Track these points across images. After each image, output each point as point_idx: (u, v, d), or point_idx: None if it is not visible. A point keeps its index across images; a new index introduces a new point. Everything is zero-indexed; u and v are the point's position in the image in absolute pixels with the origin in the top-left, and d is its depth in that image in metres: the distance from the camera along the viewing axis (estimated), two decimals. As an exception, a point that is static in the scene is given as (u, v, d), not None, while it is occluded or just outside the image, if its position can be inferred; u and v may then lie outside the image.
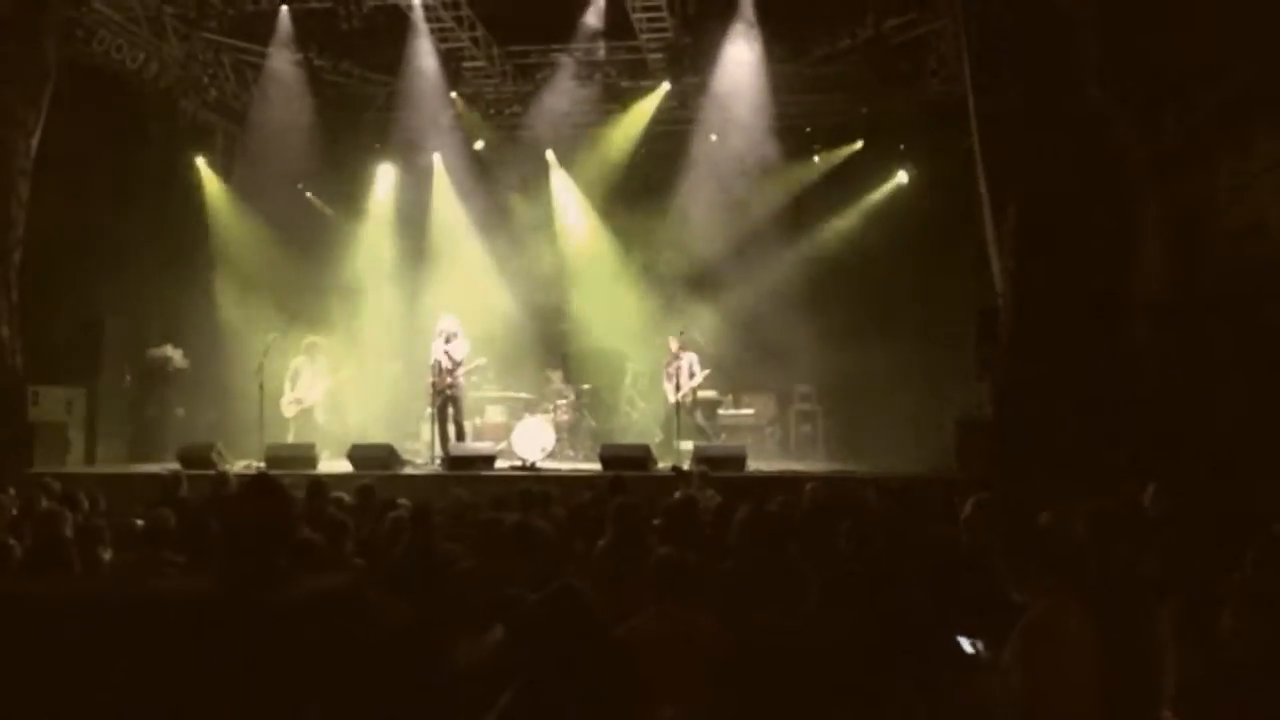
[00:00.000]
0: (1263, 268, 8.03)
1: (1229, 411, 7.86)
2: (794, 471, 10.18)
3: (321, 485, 6.84)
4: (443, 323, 11.21)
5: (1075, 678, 3.27)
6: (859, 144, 13.35)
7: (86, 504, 6.89)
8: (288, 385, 11.73)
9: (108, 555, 5.02)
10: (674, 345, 11.92)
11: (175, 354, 12.18)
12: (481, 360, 11.86)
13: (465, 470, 9.91)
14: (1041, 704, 3.23)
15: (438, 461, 10.66)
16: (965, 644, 3.66)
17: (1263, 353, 7.89)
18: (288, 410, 11.72)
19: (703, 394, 12.12)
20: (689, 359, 11.90)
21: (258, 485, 2.49)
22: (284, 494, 2.50)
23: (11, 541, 4.72)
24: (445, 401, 11.06)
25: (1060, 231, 8.92)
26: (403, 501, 6.57)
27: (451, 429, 11.09)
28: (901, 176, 13.29)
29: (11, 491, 7.19)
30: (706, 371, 12.03)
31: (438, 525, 5.34)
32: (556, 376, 13.19)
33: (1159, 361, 8.46)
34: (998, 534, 3.85)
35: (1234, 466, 7.31)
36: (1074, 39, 8.97)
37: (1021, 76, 9.30)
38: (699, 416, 11.99)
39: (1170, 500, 5.81)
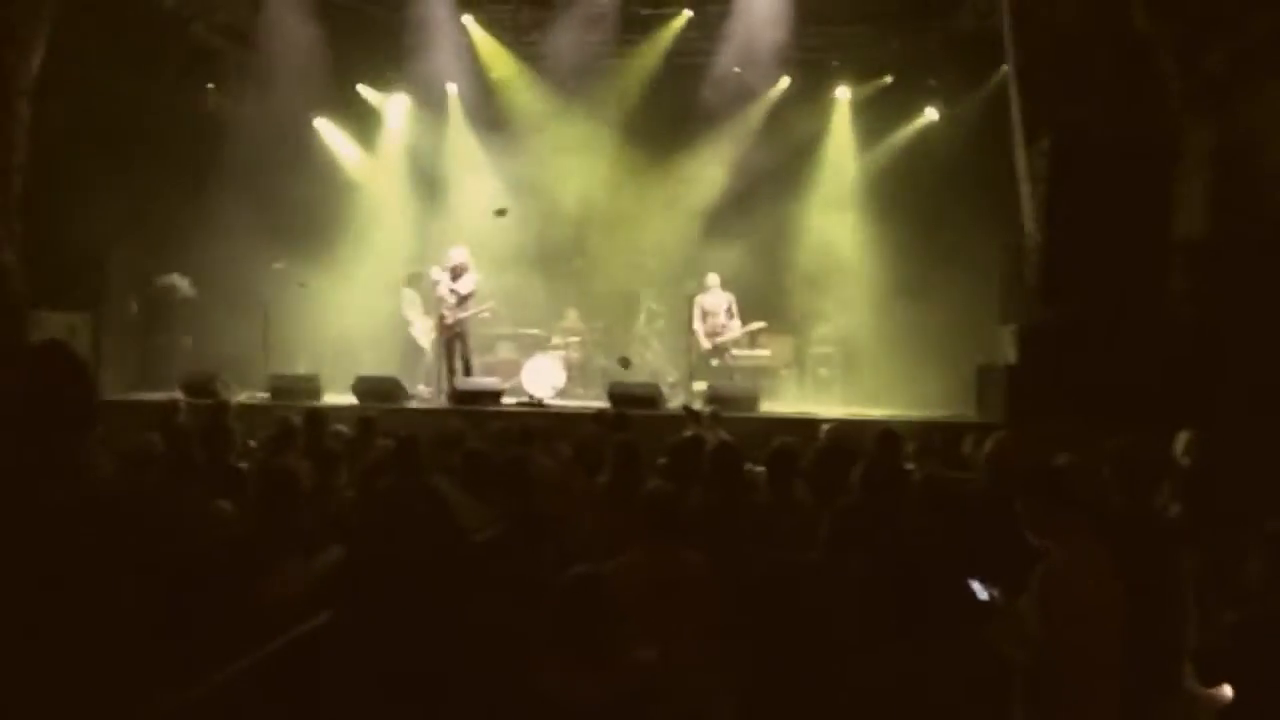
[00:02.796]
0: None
1: (1271, 362, 7.45)
2: (809, 414, 9.92)
3: (319, 415, 6.69)
4: (452, 256, 10.94)
5: (1096, 625, 3.04)
6: (888, 79, 12.81)
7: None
8: (410, 316, 12.06)
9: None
10: (713, 281, 11.58)
11: (183, 283, 12.01)
12: (490, 304, 11.51)
13: (471, 405, 9.73)
14: (1060, 651, 3.00)
15: (444, 397, 10.48)
16: (979, 589, 3.43)
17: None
18: (425, 340, 11.83)
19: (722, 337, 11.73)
20: (729, 299, 11.54)
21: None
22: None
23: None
24: (452, 338, 10.83)
25: (1096, 165, 8.39)
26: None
27: (460, 365, 10.88)
28: (931, 113, 12.77)
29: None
30: (762, 324, 11.70)
31: (426, 455, 5.13)
32: (571, 314, 12.92)
33: (1195, 306, 8.04)
34: (1017, 475, 3.61)
35: (1274, 419, 6.94)
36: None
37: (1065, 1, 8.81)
38: (729, 359, 11.63)
39: (1204, 450, 5.52)
